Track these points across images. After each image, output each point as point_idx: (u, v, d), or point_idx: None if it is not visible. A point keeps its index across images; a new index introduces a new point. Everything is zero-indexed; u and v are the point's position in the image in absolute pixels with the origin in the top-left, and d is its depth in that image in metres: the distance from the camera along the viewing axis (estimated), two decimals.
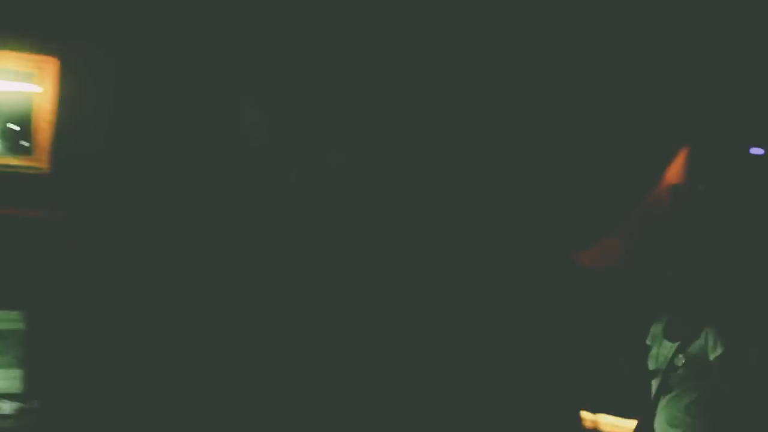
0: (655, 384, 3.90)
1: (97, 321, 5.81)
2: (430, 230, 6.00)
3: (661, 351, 3.95)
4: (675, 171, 5.98)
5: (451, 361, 5.93)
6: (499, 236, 6.08)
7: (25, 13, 5.57)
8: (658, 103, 5.77)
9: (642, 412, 3.93)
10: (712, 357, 3.73)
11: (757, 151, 6.09)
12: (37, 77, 6.30)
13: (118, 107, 6.22)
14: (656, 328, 4.12)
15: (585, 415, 5.61)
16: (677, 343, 3.87)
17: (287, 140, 6.25)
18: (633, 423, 4.07)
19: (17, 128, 6.43)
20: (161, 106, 6.10)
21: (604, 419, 5.40)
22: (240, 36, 5.94)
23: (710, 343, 3.75)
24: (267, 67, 6.15)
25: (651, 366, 3.98)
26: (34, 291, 5.86)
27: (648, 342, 4.09)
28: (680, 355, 3.80)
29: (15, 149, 6.42)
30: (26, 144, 6.40)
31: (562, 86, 5.94)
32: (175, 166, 6.08)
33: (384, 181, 6.07)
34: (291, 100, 6.16)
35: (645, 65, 5.67)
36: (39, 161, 6.34)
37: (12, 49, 6.15)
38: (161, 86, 6.04)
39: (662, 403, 3.87)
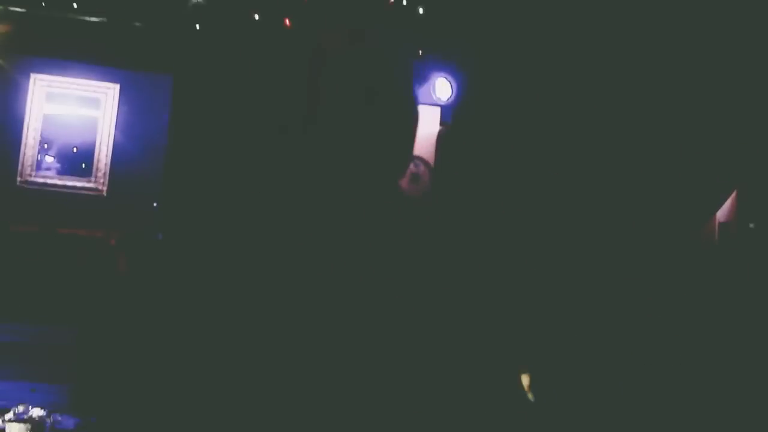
0: None
1: (149, 338, 5.98)
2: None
3: None
4: (725, 209, 5.87)
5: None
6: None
7: (88, 44, 5.80)
8: (710, 142, 5.68)
9: None
10: None
11: None
12: (97, 103, 6.59)
13: (173, 132, 6.41)
14: None
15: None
16: None
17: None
18: None
19: (78, 151, 6.71)
20: (213, 131, 6.26)
21: None
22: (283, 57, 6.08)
23: None
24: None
25: None
26: (90, 307, 6.07)
27: None
28: None
29: (75, 171, 6.69)
30: (86, 166, 6.68)
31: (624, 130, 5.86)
32: (228, 190, 6.23)
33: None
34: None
35: (697, 104, 5.59)
36: (97, 183, 6.61)
37: (75, 76, 6.46)
38: (213, 112, 6.21)
39: None
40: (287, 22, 5.47)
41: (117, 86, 6.52)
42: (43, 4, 5.41)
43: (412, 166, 1.44)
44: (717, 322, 4.84)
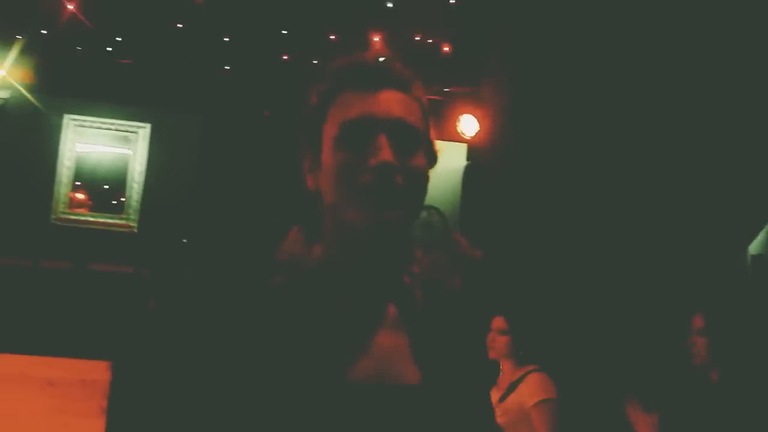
0: None
1: (181, 374, 6.02)
2: None
3: None
4: (758, 242, 5.81)
5: None
6: None
7: (121, 85, 5.95)
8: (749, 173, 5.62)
9: None
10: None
11: None
12: (129, 141, 6.72)
13: (202, 170, 6.51)
14: None
15: None
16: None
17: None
18: None
19: (110, 188, 6.84)
20: (241, 170, 6.36)
21: None
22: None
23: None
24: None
25: None
26: (122, 342, 6.14)
27: None
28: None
29: (107, 208, 6.81)
30: (117, 203, 6.79)
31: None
32: (257, 228, 6.29)
33: None
34: None
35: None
36: (128, 220, 6.71)
37: (108, 116, 6.60)
38: (242, 151, 6.30)
39: None
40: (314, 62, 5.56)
41: (148, 125, 6.64)
42: (78, 48, 5.56)
43: (425, 213, 1.43)
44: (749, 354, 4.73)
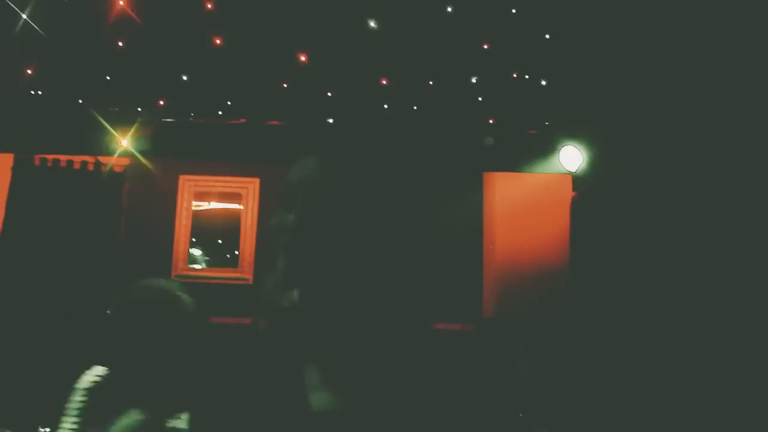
0: None
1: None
2: None
3: None
4: None
5: None
6: None
7: (231, 144, 6.23)
8: None
9: None
10: None
11: None
12: (241, 196, 7.02)
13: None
14: None
15: None
16: None
17: None
18: None
19: (224, 243, 7.14)
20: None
21: None
22: None
23: None
24: None
25: None
26: (247, 396, 6.31)
27: None
28: None
29: (223, 262, 7.10)
30: (232, 257, 7.08)
31: None
32: (356, 275, 6.37)
33: None
34: None
35: None
36: (244, 272, 6.97)
37: (219, 173, 6.93)
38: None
39: None
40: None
41: (257, 180, 6.92)
42: (192, 115, 5.89)
43: None
44: None
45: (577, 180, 6.56)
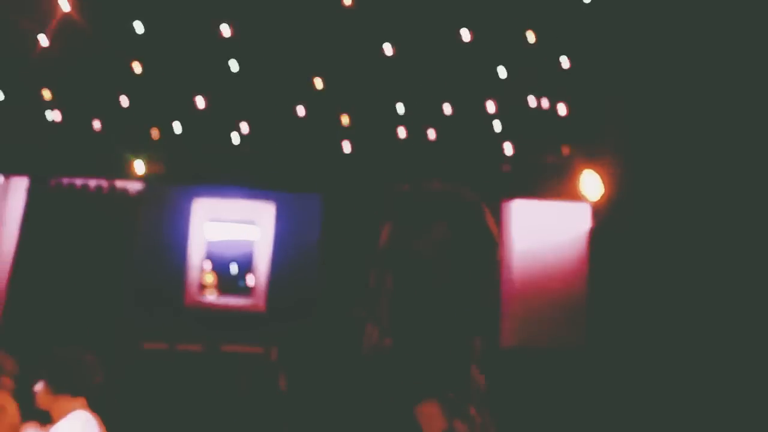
0: None
1: None
2: None
3: None
4: None
5: None
6: None
7: (245, 170, 6.19)
8: None
9: None
10: None
11: None
12: (255, 223, 6.96)
13: (324, 248, 6.61)
14: None
15: None
16: None
17: None
18: None
19: (238, 270, 7.07)
20: (363, 246, 6.39)
21: None
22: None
23: None
24: None
25: None
26: (253, 421, 6.22)
27: None
28: None
29: (236, 290, 7.02)
30: (246, 284, 7.00)
31: None
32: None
33: None
34: None
35: None
36: (257, 300, 6.89)
37: (234, 198, 6.88)
38: (361, 228, 6.35)
39: None
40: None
41: (272, 206, 6.87)
42: (206, 143, 5.86)
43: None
44: None
45: (596, 209, 6.44)
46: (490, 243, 1.36)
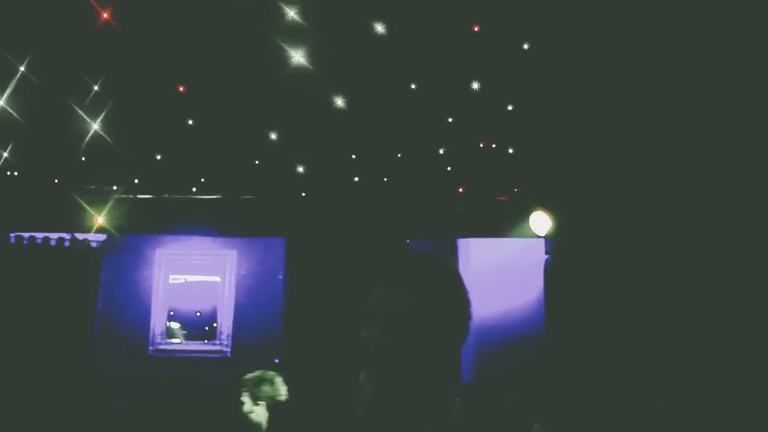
0: None
1: None
2: None
3: None
4: None
5: None
6: None
7: (207, 218, 6.31)
8: None
9: None
10: None
11: None
12: (217, 269, 7.06)
13: (289, 291, 6.73)
14: None
15: None
16: None
17: None
18: None
19: (202, 316, 7.13)
20: (324, 288, 6.54)
21: None
22: None
23: None
24: None
25: None
26: None
27: None
28: None
29: (201, 335, 7.08)
30: (210, 329, 7.07)
31: None
32: (346, 343, 6.41)
33: None
34: None
35: None
36: (222, 345, 6.96)
37: (196, 247, 6.99)
38: (324, 270, 6.51)
39: None
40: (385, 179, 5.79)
41: (234, 252, 6.98)
42: (166, 195, 5.98)
43: None
44: None
45: (548, 243, 6.69)
46: (461, 298, 1.58)
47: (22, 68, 5.41)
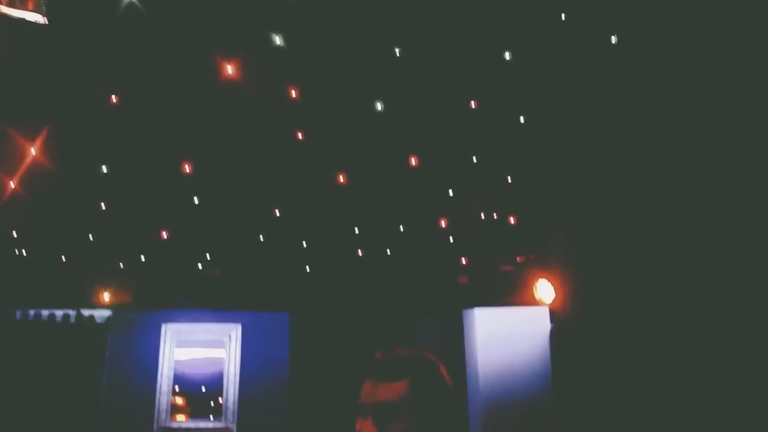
0: None
1: None
2: None
3: None
4: None
5: None
6: None
7: (211, 293, 6.34)
8: None
9: None
10: None
11: None
12: (222, 343, 7.05)
13: (294, 363, 6.69)
14: None
15: None
16: None
17: None
18: None
19: (208, 391, 7.08)
20: (331, 361, 6.51)
21: None
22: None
23: None
24: None
25: None
26: None
27: None
28: None
29: (206, 411, 7.02)
30: (216, 405, 7.01)
31: None
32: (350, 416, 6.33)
33: None
34: None
35: None
36: (227, 421, 6.89)
37: (201, 321, 6.99)
38: (328, 343, 6.49)
39: None
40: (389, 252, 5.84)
41: (239, 326, 6.97)
42: (171, 271, 6.03)
43: None
44: None
45: (554, 311, 6.68)
46: (445, 391, 1.74)
47: (33, 151, 5.53)
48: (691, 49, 5.12)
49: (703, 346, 5.63)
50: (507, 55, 5.07)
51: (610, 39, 5.11)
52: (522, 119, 5.45)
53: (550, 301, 6.28)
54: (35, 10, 4.22)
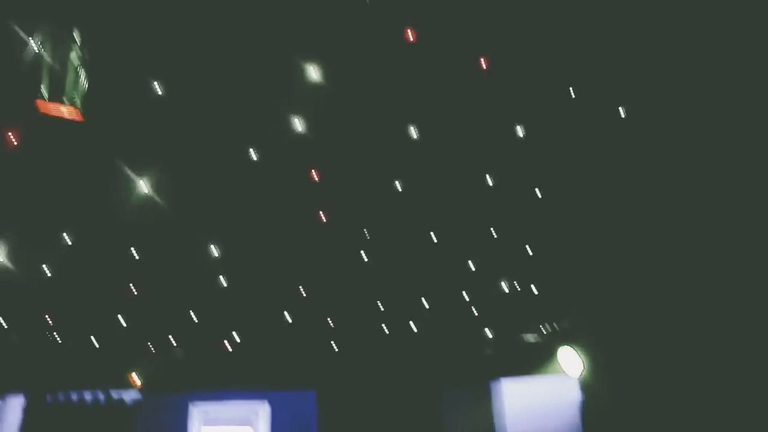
0: None
1: None
2: None
3: None
4: None
5: None
6: None
7: (238, 373, 6.39)
8: None
9: None
10: None
11: None
12: (249, 420, 7.05)
13: None
14: None
15: None
16: None
17: None
18: None
19: None
20: None
21: None
22: None
23: None
24: None
25: None
26: None
27: None
28: None
29: None
30: None
31: None
32: None
33: None
34: None
35: None
36: None
37: (228, 399, 7.02)
38: (357, 422, 6.48)
39: None
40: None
41: (267, 405, 6.98)
42: (199, 352, 6.11)
43: None
44: None
45: (583, 381, 6.62)
46: None
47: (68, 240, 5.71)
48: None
49: (736, 415, 5.54)
50: (520, 131, 5.22)
51: (618, 111, 5.25)
52: (540, 194, 5.56)
53: (577, 372, 6.24)
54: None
